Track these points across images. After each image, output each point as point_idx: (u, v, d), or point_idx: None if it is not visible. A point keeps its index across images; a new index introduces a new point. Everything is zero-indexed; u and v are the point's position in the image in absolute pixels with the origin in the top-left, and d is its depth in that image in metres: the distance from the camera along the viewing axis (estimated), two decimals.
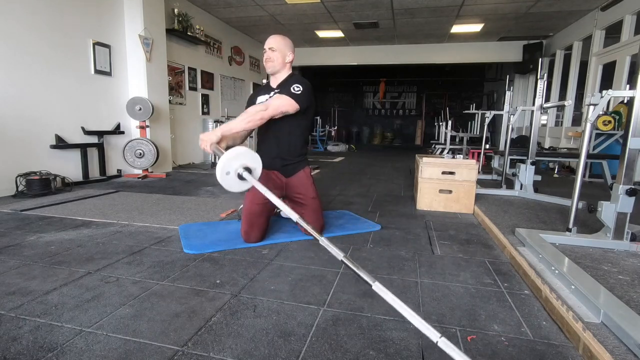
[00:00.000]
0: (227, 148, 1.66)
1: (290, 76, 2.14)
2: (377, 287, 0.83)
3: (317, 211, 2.16)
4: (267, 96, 2.12)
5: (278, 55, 2.08)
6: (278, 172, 2.14)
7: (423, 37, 7.56)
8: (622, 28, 4.90)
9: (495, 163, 4.66)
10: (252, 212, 2.01)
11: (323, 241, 0.98)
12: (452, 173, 2.87)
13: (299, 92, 1.98)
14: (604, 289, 1.34)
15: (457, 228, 2.44)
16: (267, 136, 2.15)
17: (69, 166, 3.79)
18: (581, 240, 1.92)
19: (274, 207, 2.16)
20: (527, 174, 3.26)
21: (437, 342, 0.74)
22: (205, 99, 6.33)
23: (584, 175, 2.00)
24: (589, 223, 2.32)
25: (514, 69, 8.08)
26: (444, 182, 2.89)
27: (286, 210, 1.15)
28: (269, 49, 2.09)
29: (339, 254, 0.93)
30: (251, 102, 2.21)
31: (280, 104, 1.95)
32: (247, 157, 1.51)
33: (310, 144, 10.13)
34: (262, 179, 2.00)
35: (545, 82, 3.13)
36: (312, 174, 2.27)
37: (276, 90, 2.10)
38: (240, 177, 1.53)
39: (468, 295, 1.44)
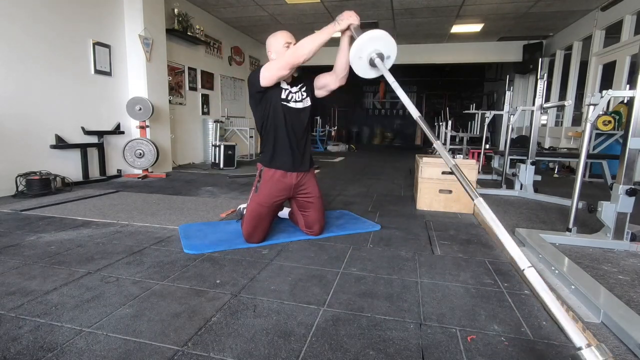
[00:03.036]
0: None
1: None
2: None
3: (322, 210, 2.16)
4: (294, 88, 2.05)
5: None
6: (298, 173, 2.06)
7: (423, 37, 7.55)
8: (622, 28, 4.90)
9: (495, 163, 4.67)
10: (259, 215, 1.99)
11: None
12: (452, 173, 2.86)
13: None
14: (604, 289, 1.34)
15: (457, 228, 2.44)
16: (302, 135, 2.06)
17: (69, 166, 3.79)
18: (581, 240, 1.92)
19: (279, 209, 2.15)
20: (527, 174, 3.26)
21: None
22: (205, 99, 6.33)
23: (584, 175, 2.00)
24: (589, 223, 2.32)
25: (514, 69, 8.08)
26: (444, 182, 2.89)
27: None
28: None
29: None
30: (278, 99, 2.00)
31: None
32: (384, 42, 1.54)
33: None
34: (276, 182, 2.01)
35: (545, 82, 3.13)
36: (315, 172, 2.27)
37: (300, 85, 2.08)
38: (372, 63, 1.57)
39: (468, 295, 1.44)
